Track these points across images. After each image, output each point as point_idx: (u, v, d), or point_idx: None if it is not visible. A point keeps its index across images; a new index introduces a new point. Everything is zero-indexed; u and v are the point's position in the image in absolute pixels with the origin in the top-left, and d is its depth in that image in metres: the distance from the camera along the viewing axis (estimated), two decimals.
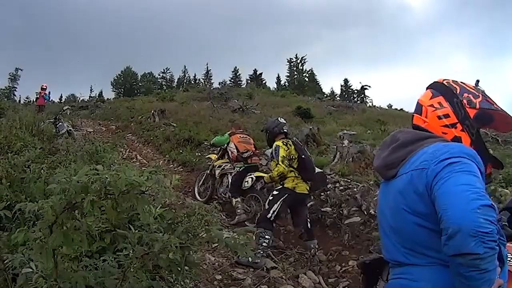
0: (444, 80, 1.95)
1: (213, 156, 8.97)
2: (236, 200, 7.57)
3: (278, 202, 5.82)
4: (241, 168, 7.94)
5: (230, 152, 8.33)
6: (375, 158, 1.99)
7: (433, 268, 1.61)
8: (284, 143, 6.06)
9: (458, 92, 1.85)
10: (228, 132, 8.76)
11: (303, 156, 6.07)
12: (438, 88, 1.92)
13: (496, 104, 1.85)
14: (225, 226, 6.34)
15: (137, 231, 2.23)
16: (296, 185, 5.99)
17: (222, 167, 8.38)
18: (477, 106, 1.81)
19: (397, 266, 1.77)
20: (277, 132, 6.38)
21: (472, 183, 1.48)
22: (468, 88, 1.88)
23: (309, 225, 6.12)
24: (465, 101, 1.82)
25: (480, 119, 1.82)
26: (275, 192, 6.01)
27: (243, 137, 8.57)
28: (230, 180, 7.99)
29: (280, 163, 5.96)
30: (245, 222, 7.29)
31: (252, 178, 7.57)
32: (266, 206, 5.91)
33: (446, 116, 1.83)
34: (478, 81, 2.00)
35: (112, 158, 5.37)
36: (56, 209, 1.51)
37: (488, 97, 1.87)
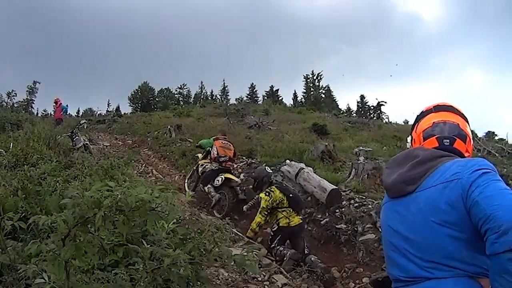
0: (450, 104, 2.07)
1: (200, 156, 10.61)
2: (208, 186, 9.36)
3: (276, 241, 6.65)
4: (215, 168, 9.62)
5: (211, 153, 9.93)
6: (387, 175, 1.99)
7: (460, 279, 1.62)
8: (267, 193, 6.85)
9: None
10: (214, 137, 10.47)
11: (290, 195, 6.89)
12: (459, 113, 2.04)
13: None
14: (235, 240, 6.59)
15: (149, 246, 2.25)
16: (289, 221, 6.74)
17: (204, 166, 9.96)
18: None
19: (414, 283, 1.74)
20: (266, 182, 7.26)
21: (508, 188, 1.58)
22: None
23: (306, 252, 6.70)
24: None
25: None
26: (272, 233, 6.83)
27: (224, 143, 10.15)
28: (204, 174, 9.75)
29: (259, 213, 6.89)
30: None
31: (222, 178, 9.21)
32: (270, 244, 6.72)
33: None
34: None
35: (127, 174, 5.40)
36: (69, 222, 1.55)
37: None
